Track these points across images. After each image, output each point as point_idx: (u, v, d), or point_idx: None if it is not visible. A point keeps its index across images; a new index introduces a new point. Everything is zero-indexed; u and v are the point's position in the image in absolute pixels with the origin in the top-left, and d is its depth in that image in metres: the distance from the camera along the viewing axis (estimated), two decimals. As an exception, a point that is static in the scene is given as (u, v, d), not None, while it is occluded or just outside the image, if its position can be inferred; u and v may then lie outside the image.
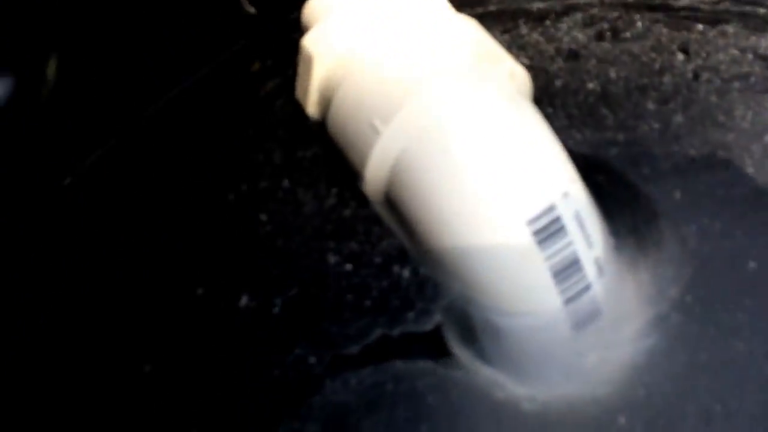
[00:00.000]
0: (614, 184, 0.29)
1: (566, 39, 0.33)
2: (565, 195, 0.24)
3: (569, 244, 0.24)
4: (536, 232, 0.24)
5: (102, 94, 0.30)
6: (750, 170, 0.28)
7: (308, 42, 0.26)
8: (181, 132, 0.32)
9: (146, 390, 0.25)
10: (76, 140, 0.30)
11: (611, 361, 0.26)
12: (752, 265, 0.26)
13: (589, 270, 0.25)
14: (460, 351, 0.26)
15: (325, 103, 0.27)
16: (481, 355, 0.26)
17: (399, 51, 0.25)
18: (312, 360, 0.25)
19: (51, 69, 0.27)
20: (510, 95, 0.25)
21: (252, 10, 0.34)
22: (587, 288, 0.25)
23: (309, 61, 0.26)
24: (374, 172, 0.25)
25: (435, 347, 0.26)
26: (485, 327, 0.25)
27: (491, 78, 0.25)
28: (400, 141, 0.24)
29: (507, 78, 0.25)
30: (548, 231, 0.24)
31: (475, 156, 0.24)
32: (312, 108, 0.28)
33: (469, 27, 0.26)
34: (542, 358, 0.26)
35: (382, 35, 0.26)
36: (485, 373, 0.26)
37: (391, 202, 0.26)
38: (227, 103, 0.32)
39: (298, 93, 0.28)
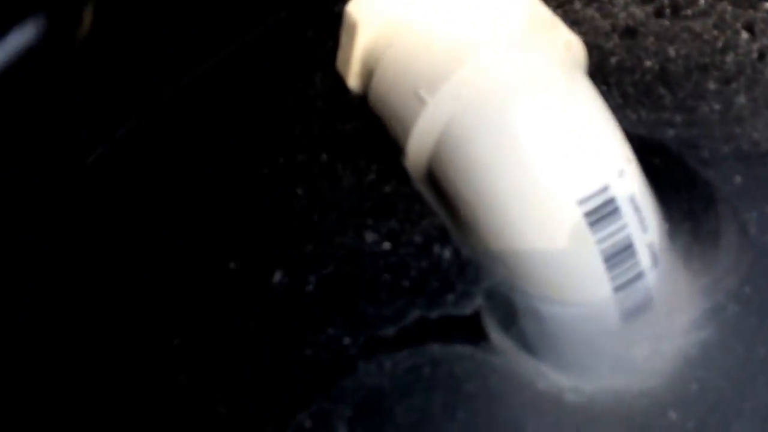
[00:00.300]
0: (671, 168, 0.27)
1: (623, 15, 0.31)
2: (621, 175, 0.23)
3: (623, 227, 0.23)
4: (588, 213, 0.22)
5: (134, 59, 0.29)
6: (816, 156, 0.26)
7: (352, 8, 0.25)
8: (221, 102, 0.31)
9: (175, 364, 0.25)
10: (106, 110, 0.29)
11: (662, 354, 0.24)
12: (817, 256, 0.25)
13: (643, 256, 0.23)
14: (499, 338, 0.24)
15: (368, 74, 0.26)
16: (523, 342, 0.24)
17: (447, 18, 0.24)
18: (346, 341, 0.24)
19: (87, 16, 0.26)
20: (565, 67, 0.23)
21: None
22: (640, 276, 0.23)
23: (353, 29, 0.25)
24: (418, 145, 0.24)
25: (475, 332, 0.24)
26: (529, 315, 0.24)
27: (546, 48, 0.23)
28: (447, 112, 0.23)
29: (562, 48, 0.23)
30: (601, 212, 0.22)
31: (525, 130, 0.22)
32: (353, 80, 0.26)
33: (523, -5, 0.24)
34: (589, 349, 0.25)
35: (429, 2, 0.24)
36: (526, 361, 0.24)
37: (435, 177, 0.24)
38: (267, 73, 0.31)
39: (340, 64, 0.27)
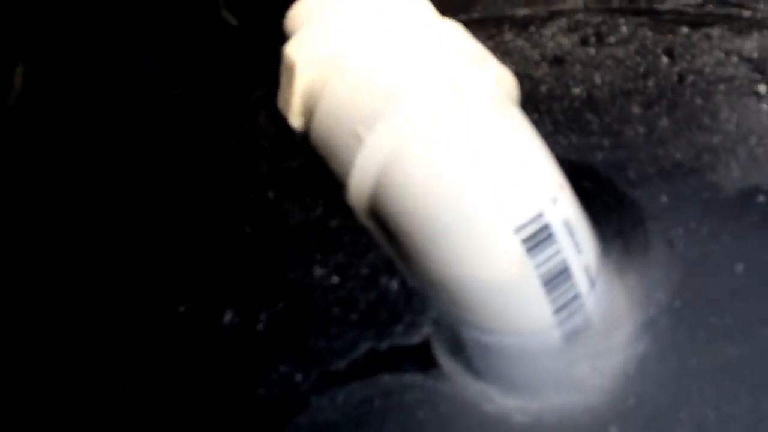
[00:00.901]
0: (601, 189, 0.27)
1: (551, 45, 0.31)
2: (554, 201, 0.23)
3: (559, 251, 0.23)
4: (525, 240, 0.22)
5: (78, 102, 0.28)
6: (736, 173, 0.27)
7: (290, 49, 0.25)
8: (164, 145, 0.30)
9: (129, 409, 0.24)
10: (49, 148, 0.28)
11: (602, 370, 0.24)
12: (740, 267, 0.25)
13: (579, 278, 0.24)
14: (448, 364, 0.24)
15: (308, 113, 0.25)
16: (470, 368, 0.24)
17: (383, 56, 0.23)
18: (298, 377, 0.24)
19: (18, 77, 0.25)
20: (497, 100, 0.23)
21: (234, 21, 0.33)
22: (577, 296, 0.24)
23: (291, 69, 0.25)
24: (358, 182, 0.23)
25: (423, 360, 0.24)
26: (474, 343, 0.24)
27: (478, 83, 0.23)
28: (385, 149, 0.23)
29: (494, 83, 0.24)
30: (537, 238, 0.22)
31: (460, 164, 0.22)
32: (295, 118, 0.26)
33: (454, 32, 0.24)
34: (533, 371, 0.25)
35: (365, 41, 0.24)
36: (475, 385, 0.24)
37: (377, 213, 0.24)
38: (210, 115, 0.31)
39: (281, 103, 0.26)
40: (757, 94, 0.29)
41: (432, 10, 0.26)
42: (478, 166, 0.22)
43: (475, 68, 0.23)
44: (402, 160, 0.23)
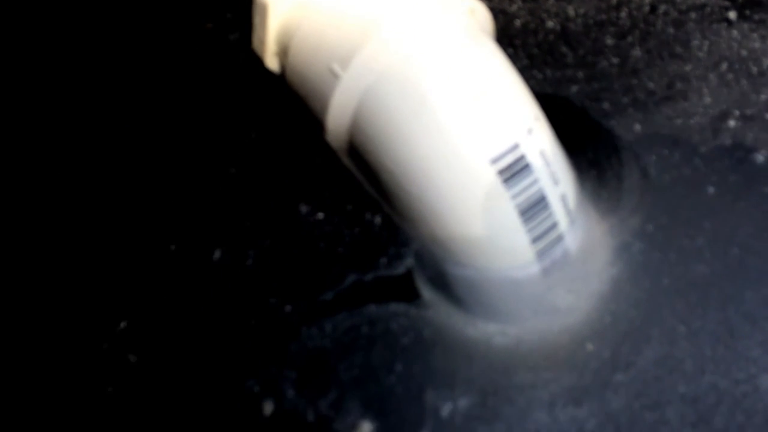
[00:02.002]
0: (576, 121, 0.27)
1: (524, -21, 0.30)
2: (530, 132, 0.22)
3: (535, 181, 0.22)
4: (501, 171, 0.22)
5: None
6: (707, 99, 0.26)
7: (262, -10, 0.24)
8: (148, 89, 0.29)
9: (123, 344, 0.23)
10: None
11: (578, 293, 0.24)
12: (711, 190, 0.25)
13: (556, 207, 0.23)
14: (430, 294, 0.24)
15: (283, 53, 0.24)
16: (452, 298, 0.24)
17: (355, -7, 0.22)
18: (288, 308, 0.23)
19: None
20: (471, 32, 0.22)
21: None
22: (554, 226, 0.23)
23: (264, 8, 0.23)
24: (336, 120, 0.23)
25: (407, 290, 0.24)
26: (455, 278, 0.24)
27: (451, 14, 0.22)
28: (360, 84, 0.22)
29: (467, 14, 0.22)
30: (513, 169, 0.22)
31: (435, 95, 0.21)
32: (270, 59, 0.25)
33: (426, -34, 0.23)
34: (513, 299, 0.25)
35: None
36: (456, 312, 0.24)
37: (356, 150, 0.23)
38: (191, 58, 0.29)
39: (255, 44, 0.25)
40: (727, 20, 0.28)
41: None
42: (452, 97, 0.21)
43: (447, 0, 0.22)
44: (378, 94, 0.22)
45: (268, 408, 0.22)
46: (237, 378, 0.22)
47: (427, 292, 0.24)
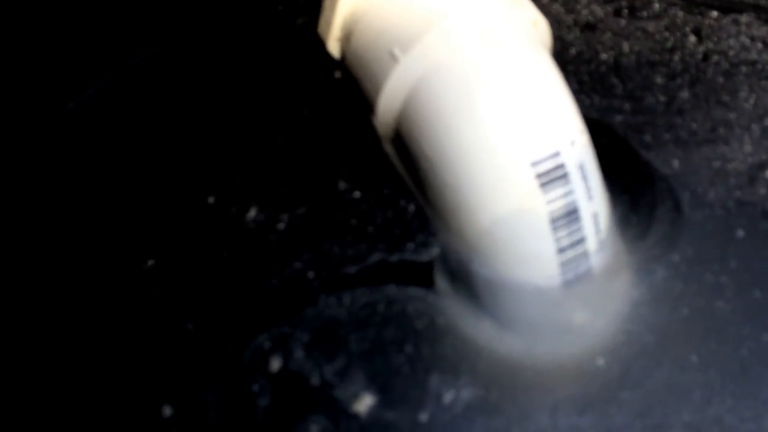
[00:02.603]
0: (616, 147, 0.27)
1: (584, 12, 0.30)
2: (572, 144, 0.22)
3: (570, 192, 0.22)
4: (540, 175, 0.22)
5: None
6: (748, 148, 0.26)
7: (337, -26, 0.24)
8: (209, 62, 0.30)
9: (150, 283, 0.24)
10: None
11: (597, 310, 0.24)
12: (740, 233, 0.24)
13: (587, 222, 0.23)
14: (446, 287, 0.24)
15: (346, 37, 0.25)
16: (468, 293, 0.24)
17: (425, -15, 0.23)
18: (310, 275, 0.23)
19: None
20: (531, 41, 0.23)
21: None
22: (582, 240, 0.23)
23: (336, -6, 0.24)
24: (388, 102, 0.23)
25: (429, 277, 0.24)
26: (476, 277, 0.23)
27: (515, 20, 0.22)
28: (417, 70, 0.22)
29: (529, 25, 0.23)
30: (552, 175, 0.22)
31: (489, 92, 0.22)
32: (333, 43, 0.25)
33: (496, -27, 0.24)
34: (529, 306, 0.24)
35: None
36: (471, 308, 0.24)
37: (400, 135, 0.23)
38: (258, 36, 0.30)
39: (321, 27, 0.26)
40: (777, 78, 0.28)
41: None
42: (505, 95, 0.22)
43: (512, 7, 0.23)
44: (432, 83, 0.22)
45: (276, 364, 0.22)
46: (249, 331, 0.22)
47: (444, 283, 0.24)
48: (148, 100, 0.28)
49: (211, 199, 0.25)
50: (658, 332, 0.22)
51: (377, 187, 0.25)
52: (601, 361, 0.22)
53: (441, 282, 0.24)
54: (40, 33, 0.27)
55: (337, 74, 0.27)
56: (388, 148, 0.25)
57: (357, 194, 0.25)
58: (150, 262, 0.23)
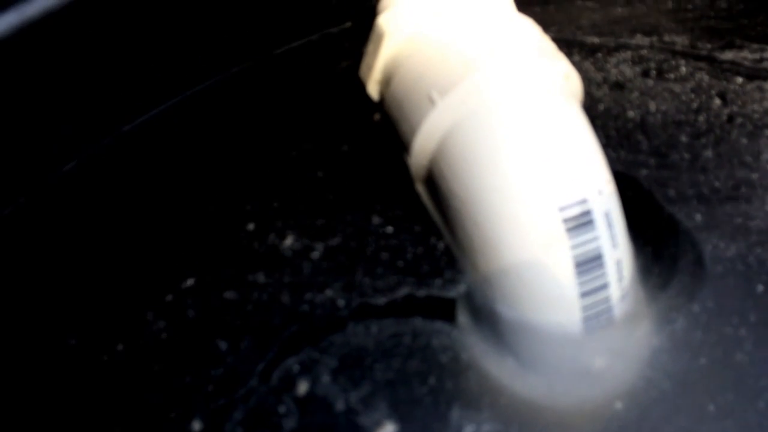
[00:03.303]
0: (641, 200, 0.27)
1: (614, 71, 0.31)
2: (600, 193, 0.23)
3: (596, 238, 0.22)
4: (567, 220, 0.22)
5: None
6: (770, 208, 0.26)
7: (382, 20, 0.25)
8: (261, 96, 0.31)
9: (186, 301, 0.24)
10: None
11: (617, 355, 0.24)
12: (760, 288, 0.24)
13: (610, 269, 0.23)
14: (468, 324, 0.24)
15: (386, 81, 0.26)
16: (489, 334, 0.24)
17: (465, 34, 0.24)
18: (340, 303, 0.24)
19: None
20: (563, 92, 0.23)
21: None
22: (605, 286, 0.23)
23: (380, 38, 0.25)
24: (422, 143, 0.24)
25: (454, 314, 0.24)
26: (498, 318, 0.24)
27: (548, 72, 0.23)
28: (454, 114, 0.23)
29: (562, 77, 0.24)
30: (578, 221, 0.22)
31: (521, 138, 0.22)
32: (373, 86, 0.26)
33: (531, 26, 0.25)
34: (550, 349, 0.24)
35: (450, 20, 0.24)
36: (493, 347, 0.24)
37: (433, 175, 0.24)
38: (305, 76, 0.31)
39: (363, 70, 0.27)
40: (800, 144, 0.28)
41: (513, 7, 0.26)
42: (536, 142, 0.22)
43: (547, 59, 0.24)
44: (467, 127, 0.23)
45: (303, 388, 0.22)
46: (279, 354, 0.23)
47: (465, 320, 0.24)
48: (199, 130, 0.29)
49: (251, 226, 0.26)
50: (677, 380, 0.22)
51: (409, 224, 0.26)
52: (619, 405, 0.22)
53: (463, 318, 0.24)
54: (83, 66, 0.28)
55: (377, 116, 0.28)
56: (420, 188, 0.26)
57: (389, 229, 0.26)
58: (189, 282, 0.24)
